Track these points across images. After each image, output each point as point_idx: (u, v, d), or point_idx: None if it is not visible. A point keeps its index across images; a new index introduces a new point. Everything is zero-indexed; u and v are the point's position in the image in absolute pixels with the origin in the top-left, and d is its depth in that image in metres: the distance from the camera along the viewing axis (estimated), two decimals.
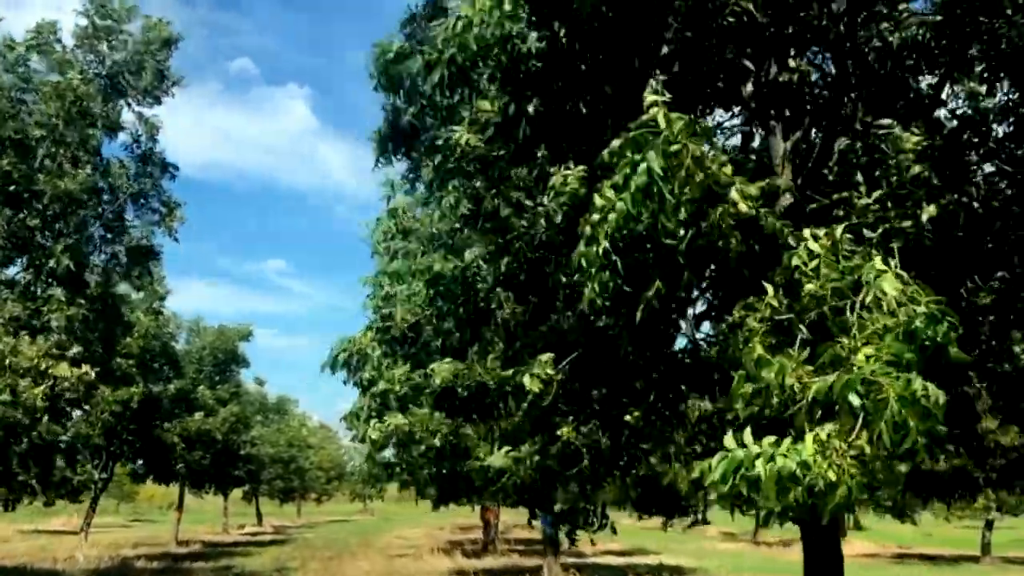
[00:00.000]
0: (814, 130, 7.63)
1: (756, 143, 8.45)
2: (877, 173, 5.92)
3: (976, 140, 6.92)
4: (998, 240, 6.65)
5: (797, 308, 4.83)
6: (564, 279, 7.73)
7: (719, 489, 4.00)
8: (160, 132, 18.99)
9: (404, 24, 9.86)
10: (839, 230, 5.27)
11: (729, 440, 4.11)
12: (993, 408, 8.40)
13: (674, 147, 4.72)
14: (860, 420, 4.26)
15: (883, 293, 4.81)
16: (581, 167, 6.60)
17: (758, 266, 5.45)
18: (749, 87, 7.65)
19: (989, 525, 33.76)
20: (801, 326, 4.83)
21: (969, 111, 7.42)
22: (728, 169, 5.23)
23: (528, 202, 7.54)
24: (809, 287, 4.89)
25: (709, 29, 6.89)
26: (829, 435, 4.16)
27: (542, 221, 7.29)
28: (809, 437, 4.14)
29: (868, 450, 4.28)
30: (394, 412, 12.00)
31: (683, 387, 7.15)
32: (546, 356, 6.21)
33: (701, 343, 7.52)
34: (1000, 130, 7.38)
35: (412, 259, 13.76)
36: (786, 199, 6.39)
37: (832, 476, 4.03)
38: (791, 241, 5.29)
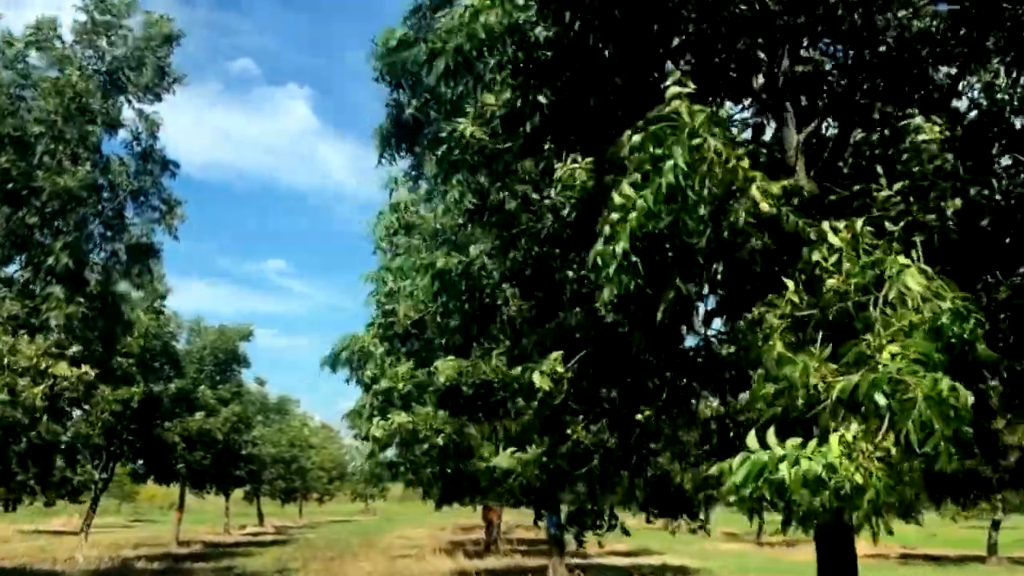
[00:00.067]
0: (828, 121, 7.44)
1: (767, 136, 8.28)
2: (898, 165, 5.73)
3: (996, 132, 6.75)
4: (1020, 234, 6.47)
5: (820, 304, 4.64)
6: (572, 275, 7.57)
7: (741, 492, 3.81)
8: (160, 129, 18.87)
9: (408, 16, 9.68)
10: (859, 223, 5.10)
11: (752, 441, 3.92)
12: (1007, 407, 8.23)
13: (695, 141, 4.54)
14: (886, 421, 4.09)
15: (907, 288, 4.64)
16: (588, 159, 6.43)
17: (776, 261, 5.28)
18: (760, 78, 7.48)
19: (996, 525, 33.51)
20: (823, 322, 4.65)
21: (985, 103, 7.25)
22: (746, 163, 5.06)
23: (535, 195, 7.37)
24: (831, 282, 4.72)
25: (722, 19, 6.71)
26: (855, 436, 3.99)
27: (549, 215, 7.12)
28: (834, 438, 3.95)
29: (894, 452, 4.11)
30: (397, 410, 11.83)
31: (695, 385, 6.97)
32: (556, 353, 6.03)
33: (712, 341, 7.35)
34: (1019, 122, 7.21)
35: (416, 253, 13.58)
36: (803, 193, 6.21)
37: (859, 479, 3.86)
38: (812, 235, 5.10)
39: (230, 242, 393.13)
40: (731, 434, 7.06)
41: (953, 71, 7.12)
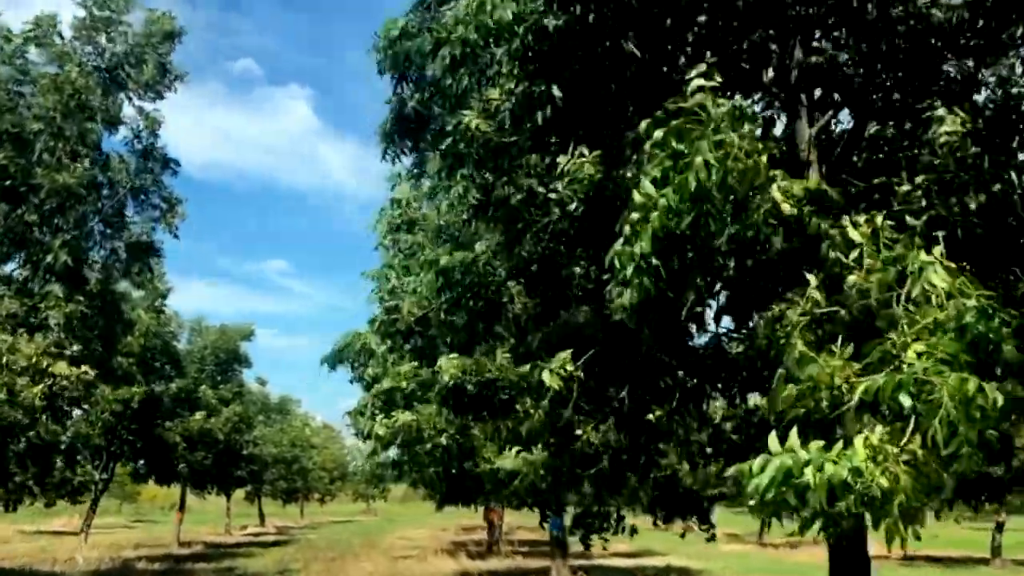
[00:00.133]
0: (842, 113, 7.28)
1: (777, 130, 8.12)
2: (920, 159, 5.55)
3: (1016, 125, 6.57)
4: None
5: (843, 301, 4.46)
6: (579, 271, 7.40)
7: (765, 496, 3.63)
8: (161, 127, 18.70)
9: (412, 10, 9.50)
10: (879, 218, 4.93)
11: (773, 443, 3.74)
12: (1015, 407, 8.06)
13: (718, 136, 4.35)
14: (912, 422, 3.93)
15: (931, 285, 4.48)
16: (596, 152, 6.26)
17: (795, 259, 5.11)
18: (771, 72, 7.32)
19: (1000, 527, 33.25)
20: (844, 320, 4.48)
21: (1000, 97, 7.09)
22: (764, 158, 4.90)
23: (540, 189, 7.20)
24: (852, 278, 4.55)
25: (736, 9, 6.55)
26: (880, 439, 3.81)
27: (556, 209, 6.96)
28: (859, 441, 3.78)
29: (920, 454, 3.95)
30: (400, 409, 11.67)
31: (706, 385, 6.80)
32: (565, 352, 5.85)
33: (723, 339, 7.18)
34: None
35: (419, 250, 13.42)
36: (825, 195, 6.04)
37: (885, 483, 3.68)
38: (831, 232, 4.93)
39: (230, 242, 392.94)
40: (744, 436, 6.89)
41: (970, 63, 6.95)
